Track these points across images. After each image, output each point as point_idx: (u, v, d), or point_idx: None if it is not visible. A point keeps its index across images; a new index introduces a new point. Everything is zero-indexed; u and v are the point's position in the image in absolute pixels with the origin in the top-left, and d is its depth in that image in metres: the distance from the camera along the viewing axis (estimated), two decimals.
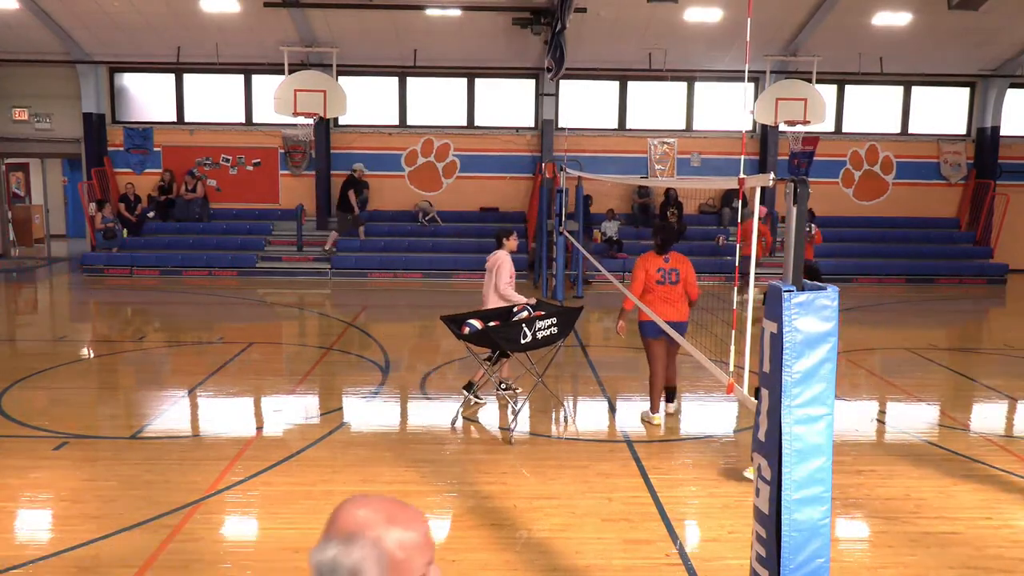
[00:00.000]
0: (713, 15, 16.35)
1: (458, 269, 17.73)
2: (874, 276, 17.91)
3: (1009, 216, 19.22)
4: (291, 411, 8.22)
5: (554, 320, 7.56)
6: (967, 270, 18.41)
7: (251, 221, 19.04)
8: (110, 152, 19.04)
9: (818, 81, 17.61)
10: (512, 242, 8.44)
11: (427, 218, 18.78)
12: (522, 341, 7.31)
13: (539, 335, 7.42)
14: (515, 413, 7.81)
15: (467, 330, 7.60)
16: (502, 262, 8.28)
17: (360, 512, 1.49)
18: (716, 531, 5.50)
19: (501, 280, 8.21)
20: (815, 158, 19.35)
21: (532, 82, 19.17)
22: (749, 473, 7.19)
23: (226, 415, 8.22)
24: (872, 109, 19.64)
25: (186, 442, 7.22)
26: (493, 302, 8.28)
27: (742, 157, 5.22)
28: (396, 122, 19.31)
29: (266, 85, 18.34)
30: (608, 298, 15.51)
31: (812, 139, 19.14)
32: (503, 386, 8.42)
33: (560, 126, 19.03)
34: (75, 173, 22.06)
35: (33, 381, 9.05)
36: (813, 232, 13.36)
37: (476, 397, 8.25)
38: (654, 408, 7.75)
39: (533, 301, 8.22)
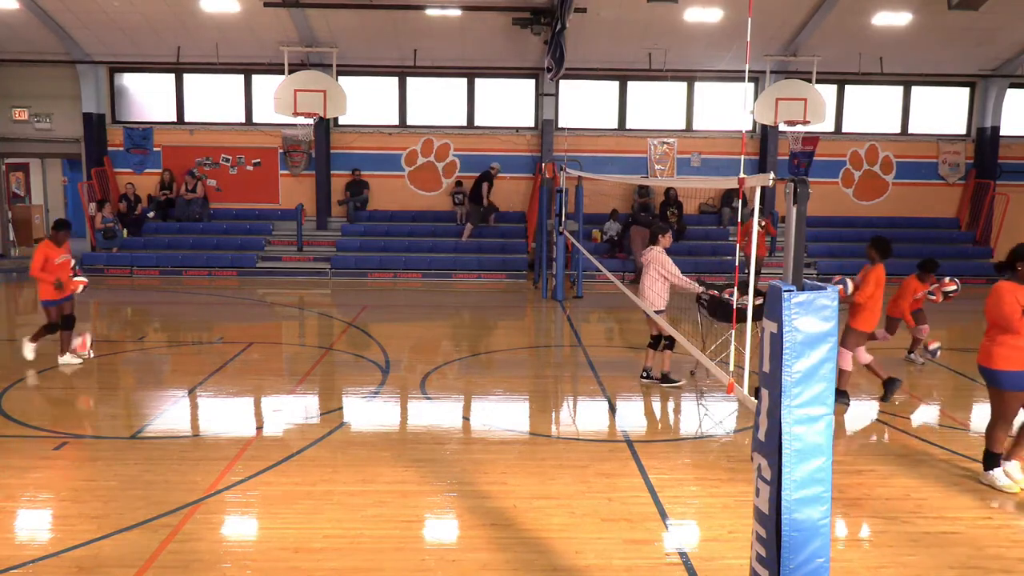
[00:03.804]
0: (713, 15, 16.35)
1: (457, 269, 17.74)
2: None
3: (1009, 216, 19.22)
4: (291, 411, 8.22)
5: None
6: (967, 270, 18.37)
7: (251, 221, 19.05)
8: (110, 152, 19.05)
9: (818, 81, 17.62)
10: (667, 239, 8.97)
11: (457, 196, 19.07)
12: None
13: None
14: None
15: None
16: (658, 259, 8.81)
17: None
18: (716, 531, 5.50)
19: (668, 273, 8.76)
20: (815, 158, 19.37)
21: (532, 82, 19.17)
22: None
23: (226, 415, 8.22)
24: (872, 109, 19.65)
25: (186, 442, 7.22)
26: (651, 296, 8.80)
27: (742, 157, 5.23)
28: (396, 122, 19.31)
29: (266, 85, 18.34)
30: (608, 298, 15.51)
31: (812, 139, 19.14)
32: (645, 375, 9.23)
33: (560, 126, 19.04)
34: (75, 173, 22.03)
35: (33, 381, 9.05)
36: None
37: (672, 381, 9.01)
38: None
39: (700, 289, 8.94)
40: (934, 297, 9.76)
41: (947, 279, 9.88)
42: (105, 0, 16.24)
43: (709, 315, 9.21)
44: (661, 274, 8.78)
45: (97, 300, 15.62)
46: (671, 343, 8.86)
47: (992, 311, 6.08)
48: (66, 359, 9.70)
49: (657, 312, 8.73)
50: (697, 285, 8.92)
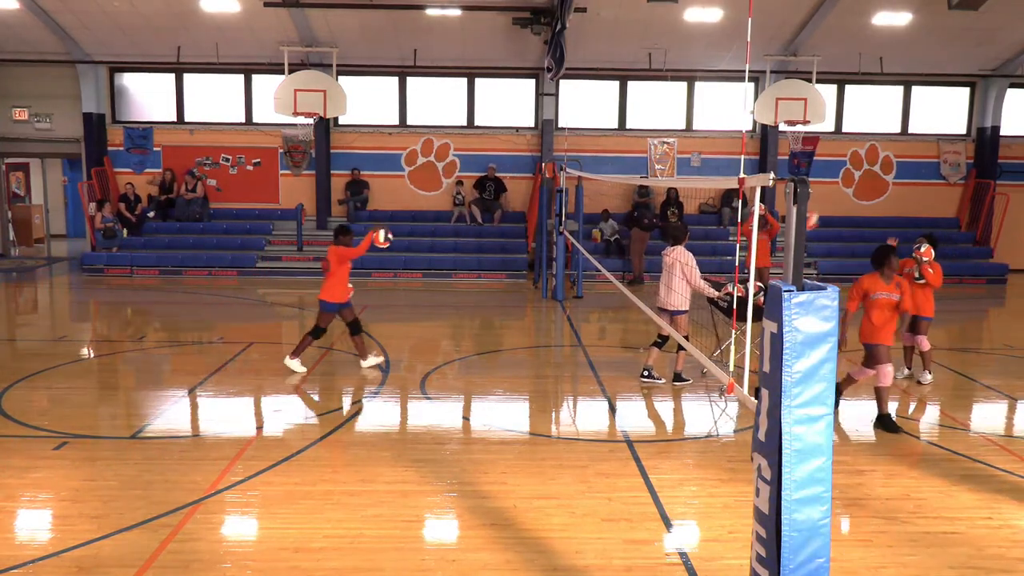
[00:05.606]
0: (713, 15, 16.35)
1: (457, 269, 17.74)
2: None
3: (1009, 216, 19.22)
4: (291, 411, 8.22)
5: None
6: (967, 270, 18.40)
7: (251, 221, 19.04)
8: (110, 152, 19.06)
9: (818, 81, 17.61)
10: (686, 239, 9.14)
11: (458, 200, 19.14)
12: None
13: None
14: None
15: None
16: (683, 258, 8.81)
17: None
18: (716, 531, 5.50)
19: (690, 274, 8.72)
20: (815, 158, 19.37)
21: (532, 82, 19.18)
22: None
23: (226, 415, 8.21)
24: (872, 109, 19.64)
25: (186, 442, 7.22)
26: (675, 296, 8.76)
27: (742, 157, 5.23)
28: (396, 122, 19.31)
29: (266, 85, 18.34)
30: (608, 298, 15.51)
31: (812, 139, 19.14)
32: (646, 374, 9.24)
33: (560, 126, 19.04)
34: (75, 173, 22.06)
35: (33, 381, 9.05)
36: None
37: (684, 380, 9.06)
38: None
39: (715, 294, 8.89)
40: (923, 276, 8.94)
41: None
42: (105, 0, 16.24)
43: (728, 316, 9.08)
44: (685, 274, 8.74)
45: (97, 300, 15.63)
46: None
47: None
48: (369, 361, 9.73)
49: (680, 313, 8.73)
50: (713, 290, 8.86)
